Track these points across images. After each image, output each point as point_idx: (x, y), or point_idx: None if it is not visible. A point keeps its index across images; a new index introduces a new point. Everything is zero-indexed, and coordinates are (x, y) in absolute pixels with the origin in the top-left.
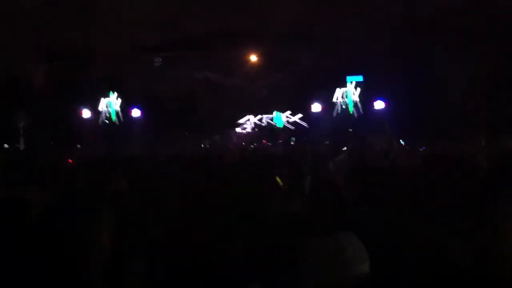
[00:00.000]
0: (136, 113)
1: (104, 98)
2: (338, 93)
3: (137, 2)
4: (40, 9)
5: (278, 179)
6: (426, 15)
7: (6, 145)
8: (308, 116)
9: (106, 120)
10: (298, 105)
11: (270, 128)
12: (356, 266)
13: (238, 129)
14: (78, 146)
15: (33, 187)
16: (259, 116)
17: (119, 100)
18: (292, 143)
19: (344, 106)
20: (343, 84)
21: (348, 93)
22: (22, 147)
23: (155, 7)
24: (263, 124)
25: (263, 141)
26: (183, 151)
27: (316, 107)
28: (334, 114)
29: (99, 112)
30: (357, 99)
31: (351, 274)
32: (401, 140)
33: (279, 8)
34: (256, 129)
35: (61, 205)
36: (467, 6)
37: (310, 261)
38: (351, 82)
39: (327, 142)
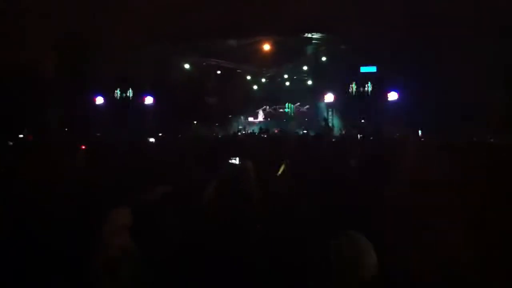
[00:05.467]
0: (148, 100)
1: (118, 86)
2: (352, 83)
3: None
4: None
5: (283, 165)
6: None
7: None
8: (319, 106)
9: (119, 108)
10: (311, 96)
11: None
12: (361, 270)
13: (250, 118)
14: (98, 134)
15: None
16: (273, 107)
17: (131, 88)
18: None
19: (357, 96)
20: (357, 75)
21: (361, 84)
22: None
23: None
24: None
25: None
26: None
27: (329, 98)
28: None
29: (113, 100)
30: (370, 89)
31: (353, 279)
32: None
33: None
34: (268, 119)
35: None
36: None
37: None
38: (365, 73)
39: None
